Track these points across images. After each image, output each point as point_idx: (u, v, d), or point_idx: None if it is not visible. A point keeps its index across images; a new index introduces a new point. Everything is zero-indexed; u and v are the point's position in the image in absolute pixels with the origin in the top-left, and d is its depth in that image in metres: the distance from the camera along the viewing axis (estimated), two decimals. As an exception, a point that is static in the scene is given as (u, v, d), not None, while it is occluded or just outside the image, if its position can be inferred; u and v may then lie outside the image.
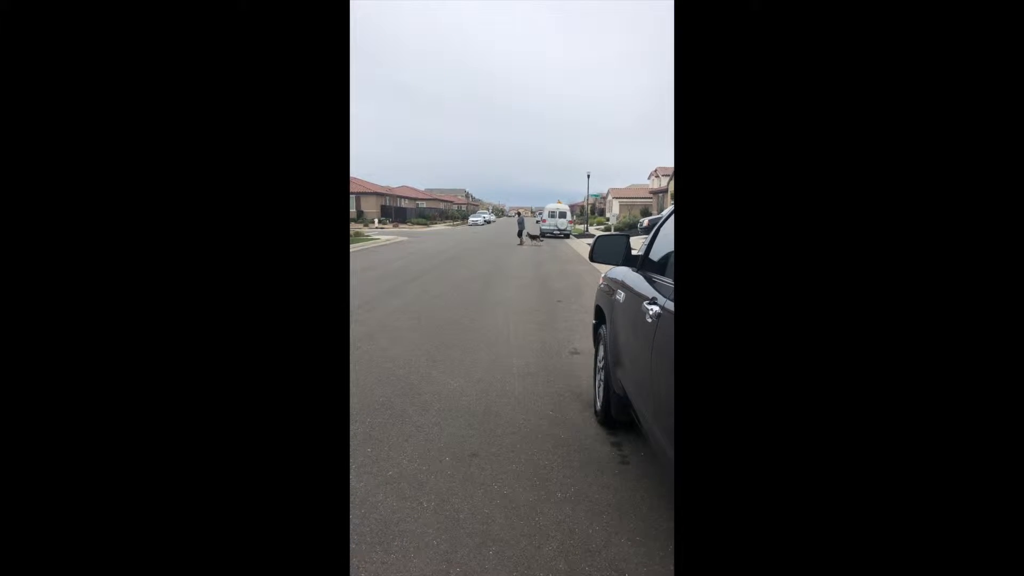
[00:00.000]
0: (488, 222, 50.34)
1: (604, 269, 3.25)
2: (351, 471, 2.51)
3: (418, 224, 41.38)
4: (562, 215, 26.83)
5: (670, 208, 2.65)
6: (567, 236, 26.23)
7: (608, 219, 37.47)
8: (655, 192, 39.63)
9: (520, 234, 21.58)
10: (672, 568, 1.85)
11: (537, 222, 33.00)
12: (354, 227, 26.60)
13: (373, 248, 17.77)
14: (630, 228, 25.64)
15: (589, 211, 40.77)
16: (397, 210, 44.10)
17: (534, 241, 20.83)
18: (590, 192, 38.40)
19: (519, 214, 25.00)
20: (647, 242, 2.67)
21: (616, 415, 2.85)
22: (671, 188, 31.83)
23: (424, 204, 59.16)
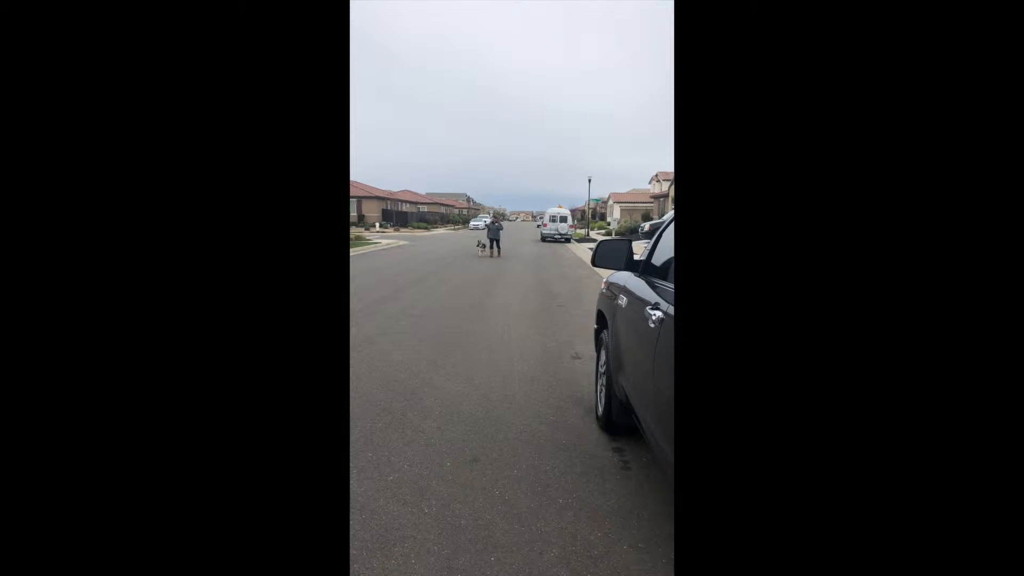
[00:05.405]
0: (488, 226, 50.68)
1: (606, 274, 3.24)
2: (351, 476, 2.49)
3: (419, 228, 41.43)
4: (563, 219, 26.94)
5: (672, 212, 2.65)
6: (568, 240, 26.28)
7: (609, 224, 37.53)
8: (656, 197, 39.70)
9: (485, 243, 17.94)
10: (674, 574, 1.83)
11: (538, 226, 32.84)
12: (355, 231, 26.57)
13: (374, 252, 17.78)
14: (631, 233, 25.61)
15: (590, 216, 40.83)
16: (398, 214, 44.13)
17: (481, 251, 17.89)
18: (591, 197, 38.47)
19: (496, 219, 20.11)
20: (649, 247, 2.67)
21: (618, 420, 2.83)
22: (672, 193, 31.87)
23: (425, 208, 59.19)
